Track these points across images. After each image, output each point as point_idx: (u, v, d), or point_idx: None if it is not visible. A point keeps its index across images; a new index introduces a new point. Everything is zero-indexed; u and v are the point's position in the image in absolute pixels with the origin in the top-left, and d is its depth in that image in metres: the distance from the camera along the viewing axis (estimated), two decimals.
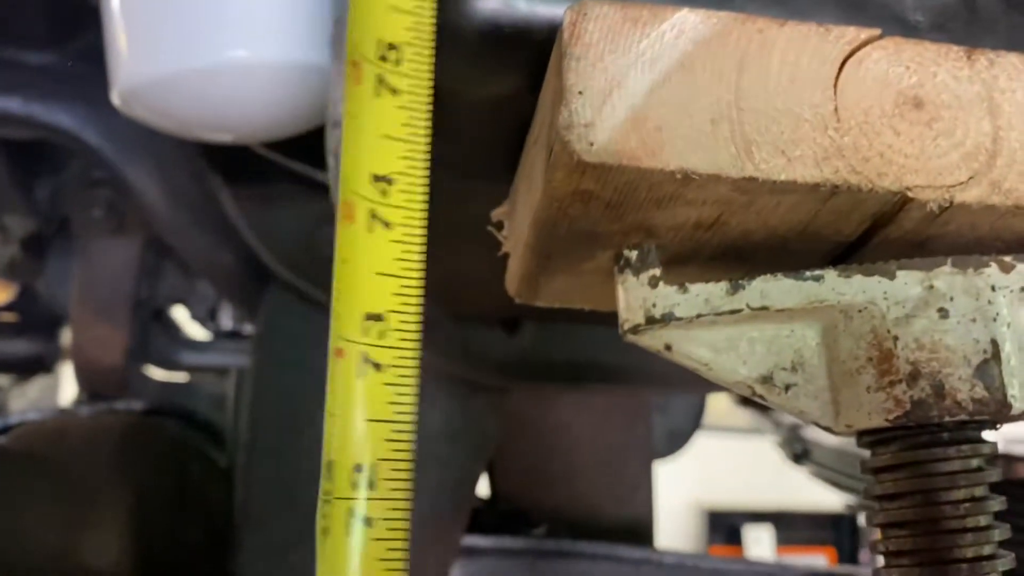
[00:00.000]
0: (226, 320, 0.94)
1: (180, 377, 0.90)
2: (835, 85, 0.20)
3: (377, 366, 0.20)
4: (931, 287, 0.21)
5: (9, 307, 0.95)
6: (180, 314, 0.92)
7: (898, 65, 0.21)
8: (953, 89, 0.21)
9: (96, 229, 0.74)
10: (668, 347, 0.22)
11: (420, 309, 0.21)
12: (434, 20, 0.22)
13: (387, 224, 0.22)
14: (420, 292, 0.21)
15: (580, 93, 0.19)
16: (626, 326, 0.22)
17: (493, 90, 0.24)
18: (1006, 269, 0.21)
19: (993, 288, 0.21)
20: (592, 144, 0.19)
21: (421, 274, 0.21)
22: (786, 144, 0.19)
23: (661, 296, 0.22)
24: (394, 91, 0.22)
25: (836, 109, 0.20)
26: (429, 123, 0.22)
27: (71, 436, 0.50)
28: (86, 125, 0.63)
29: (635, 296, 0.22)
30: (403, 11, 0.22)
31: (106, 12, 0.38)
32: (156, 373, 0.88)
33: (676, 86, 0.19)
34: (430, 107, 0.22)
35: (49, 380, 0.96)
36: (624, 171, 0.19)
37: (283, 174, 0.47)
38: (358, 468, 0.20)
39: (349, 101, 0.22)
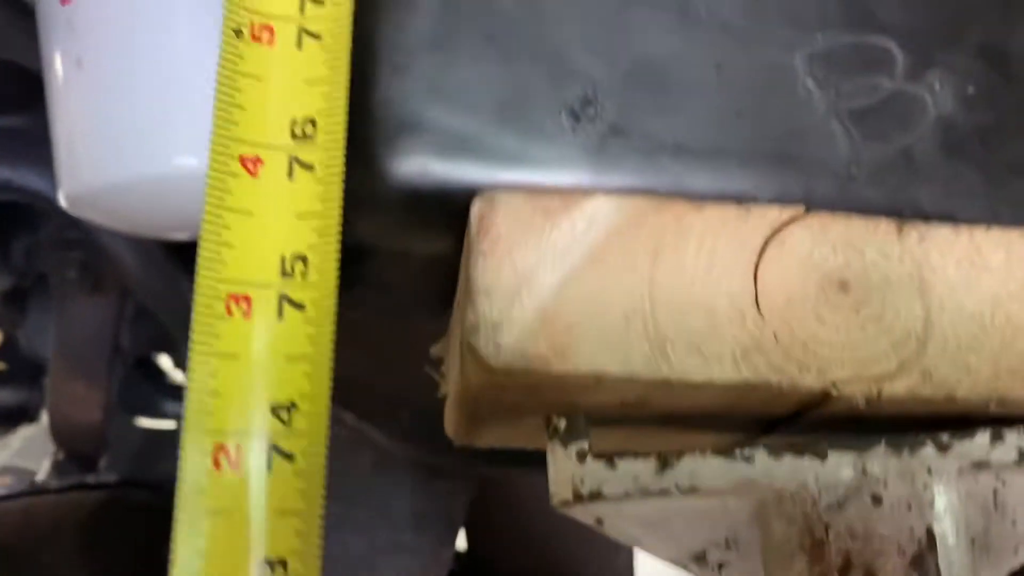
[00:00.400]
0: None
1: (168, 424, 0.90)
2: (755, 272, 0.19)
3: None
4: (864, 471, 0.20)
5: None
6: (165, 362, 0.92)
7: (824, 245, 0.20)
8: (883, 269, 0.20)
9: (72, 289, 0.74)
10: (599, 521, 0.22)
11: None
12: None
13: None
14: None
15: (487, 294, 0.18)
16: (555, 499, 0.21)
17: (419, 250, 0.23)
18: (943, 449, 0.20)
19: (929, 471, 0.20)
20: (499, 347, 0.18)
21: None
22: (702, 340, 0.19)
23: (589, 472, 0.21)
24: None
25: (756, 299, 0.19)
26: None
27: (38, 520, 0.49)
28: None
29: (563, 469, 0.21)
30: None
31: (51, 113, 0.38)
32: (142, 421, 0.88)
33: (588, 280, 0.19)
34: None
35: (32, 430, 0.96)
36: (534, 374, 0.18)
37: None
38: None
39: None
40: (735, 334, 0.19)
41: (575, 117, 0.22)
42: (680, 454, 0.21)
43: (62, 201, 0.38)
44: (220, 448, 0.18)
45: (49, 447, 0.95)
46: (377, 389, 0.43)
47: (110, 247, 0.62)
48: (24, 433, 0.96)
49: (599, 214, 0.19)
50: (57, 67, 0.36)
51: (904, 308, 0.19)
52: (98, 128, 0.35)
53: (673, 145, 0.22)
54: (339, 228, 0.21)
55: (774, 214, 0.20)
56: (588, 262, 0.19)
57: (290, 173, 0.20)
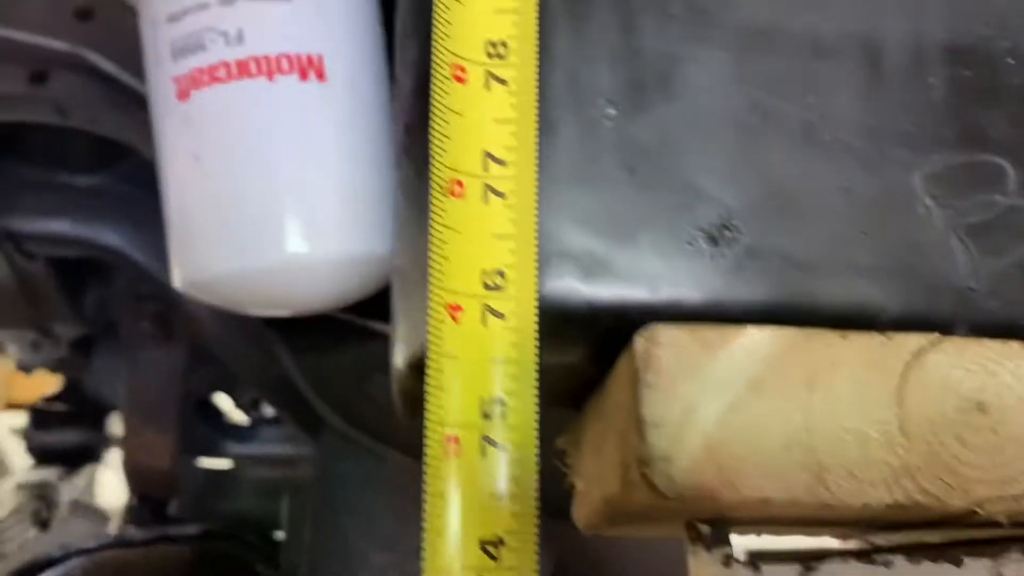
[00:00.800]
0: (269, 408, 0.96)
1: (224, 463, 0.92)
2: (899, 398, 0.21)
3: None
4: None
5: (57, 397, 0.98)
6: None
7: (960, 368, 0.21)
8: (1016, 390, 0.21)
9: (144, 340, 0.76)
10: None
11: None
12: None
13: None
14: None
15: (656, 426, 0.20)
16: None
17: (559, 361, 0.25)
18: None
19: None
20: (671, 479, 0.20)
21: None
22: (856, 467, 0.20)
23: None
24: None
25: (901, 425, 0.20)
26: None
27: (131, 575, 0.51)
28: (133, 244, 0.65)
29: (706, 572, 0.23)
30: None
31: (166, 202, 0.40)
32: (202, 461, 0.90)
33: (749, 410, 0.20)
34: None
35: (96, 469, 0.98)
36: (704, 501, 0.20)
37: (335, 322, 0.49)
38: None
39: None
40: (886, 459, 0.20)
41: (713, 241, 0.23)
42: (821, 557, 0.22)
43: (177, 285, 0.40)
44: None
45: (114, 485, 0.97)
46: None
47: (184, 300, 0.64)
48: (89, 472, 0.99)
49: (755, 345, 0.21)
50: (174, 160, 0.38)
51: None
52: (214, 219, 0.37)
53: (804, 263, 0.24)
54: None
55: (913, 341, 0.21)
56: (748, 392, 0.20)
57: (484, 320, 0.21)
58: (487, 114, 0.23)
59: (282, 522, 0.68)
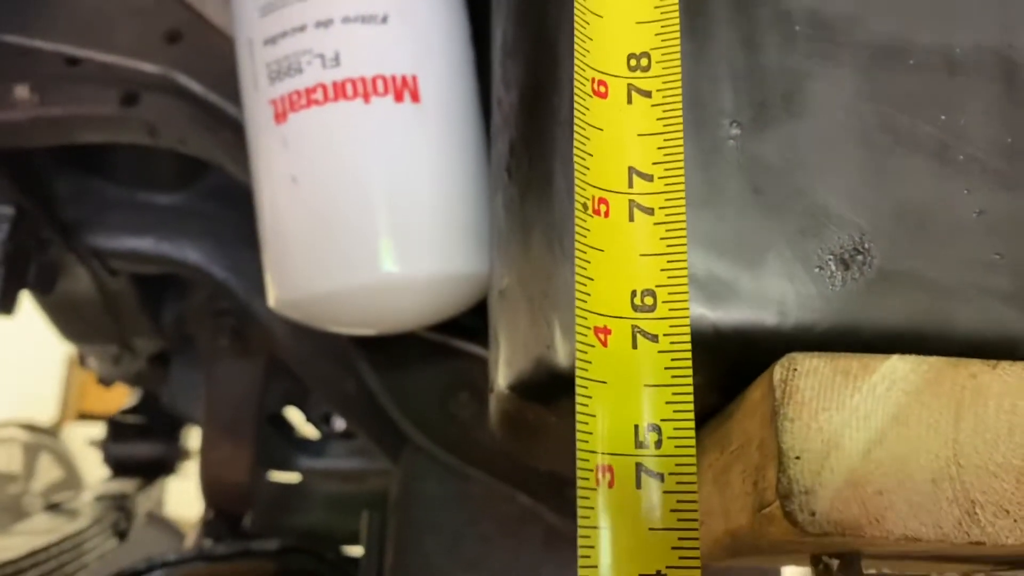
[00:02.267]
0: (340, 422, 0.96)
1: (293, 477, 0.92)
2: None
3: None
4: None
5: (133, 410, 1.00)
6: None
7: None
8: None
9: (222, 355, 0.78)
10: None
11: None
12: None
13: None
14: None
15: (797, 458, 0.19)
16: None
17: None
18: None
19: None
20: (813, 514, 0.19)
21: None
22: (1011, 503, 0.19)
23: None
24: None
25: None
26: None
27: None
28: (213, 261, 0.66)
29: None
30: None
31: (262, 223, 0.40)
32: (274, 474, 0.91)
33: (892, 443, 0.19)
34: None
35: (170, 482, 1.00)
36: (848, 538, 0.19)
37: (418, 339, 0.49)
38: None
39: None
40: None
41: (844, 265, 0.23)
42: None
43: (271, 305, 0.41)
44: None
45: (185, 497, 0.99)
46: (553, 473, 0.44)
47: (261, 315, 0.65)
48: (163, 485, 1.00)
49: (897, 375, 0.20)
50: (271, 182, 0.39)
51: None
52: (310, 240, 0.38)
53: (940, 288, 0.23)
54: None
55: None
56: (892, 424, 0.20)
57: (634, 343, 0.21)
58: (631, 128, 0.23)
59: (360, 538, 0.69)
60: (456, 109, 0.39)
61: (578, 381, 0.20)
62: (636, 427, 0.20)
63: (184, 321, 0.81)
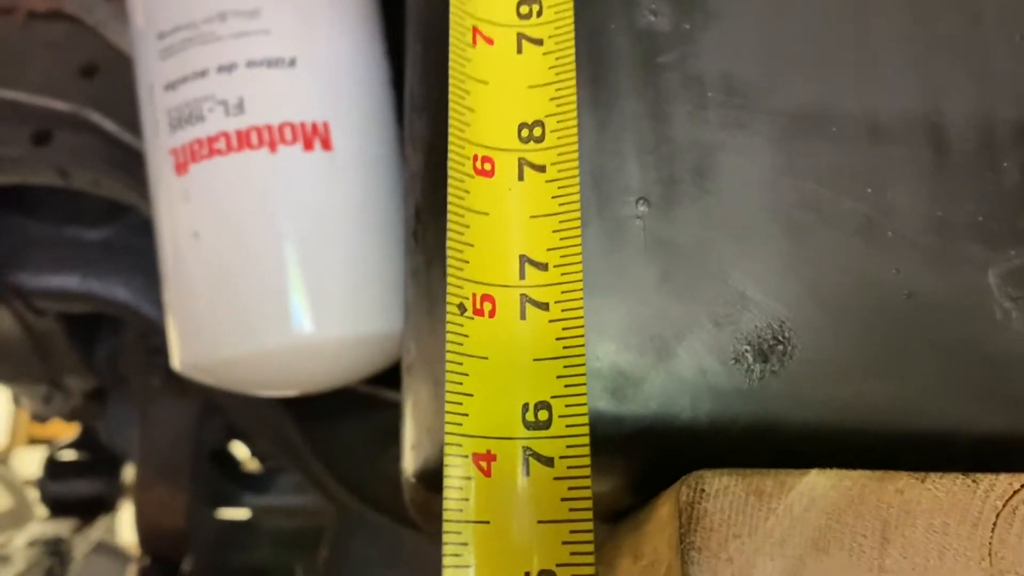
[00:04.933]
0: None
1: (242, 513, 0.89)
2: (990, 553, 0.18)
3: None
4: None
5: (73, 445, 0.96)
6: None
7: None
8: None
9: (155, 395, 0.75)
10: None
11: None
12: None
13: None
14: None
15: None
16: None
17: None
18: None
19: None
20: None
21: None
22: None
23: None
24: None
25: None
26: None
27: None
28: (143, 298, 0.63)
29: None
30: None
31: (165, 281, 0.37)
32: (218, 511, 0.88)
33: (812, 573, 0.17)
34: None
35: (109, 519, 0.96)
36: None
37: (345, 391, 0.46)
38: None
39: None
40: None
41: (763, 356, 0.21)
42: None
43: (176, 368, 0.38)
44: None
45: (124, 536, 0.95)
46: None
47: None
48: (103, 524, 0.97)
49: (816, 493, 0.18)
50: (173, 237, 0.36)
51: None
52: (215, 300, 0.35)
53: (867, 379, 0.21)
54: None
55: (1004, 484, 0.18)
56: (811, 551, 0.17)
57: (526, 470, 0.19)
58: (522, 211, 0.20)
59: None
60: (372, 158, 0.36)
61: (448, 527, 0.17)
62: (527, 574, 0.17)
63: (117, 360, 0.77)
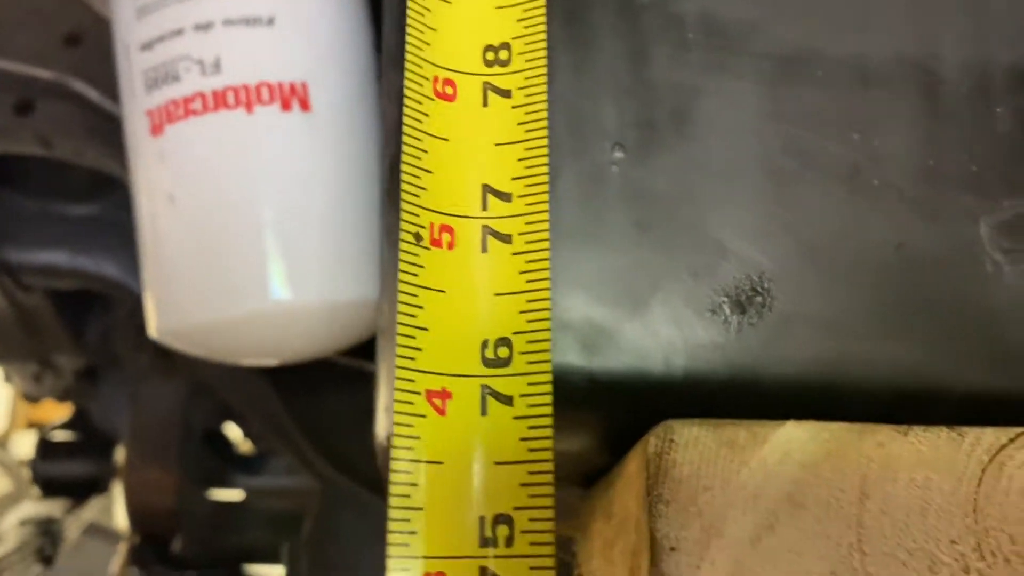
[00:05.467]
0: None
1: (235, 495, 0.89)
2: (975, 510, 0.17)
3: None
4: None
5: (66, 425, 0.96)
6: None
7: None
8: None
9: (145, 374, 0.74)
10: None
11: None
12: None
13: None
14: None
15: (673, 549, 0.16)
16: None
17: (560, 448, 0.21)
18: None
19: None
20: None
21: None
22: None
23: None
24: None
25: (979, 543, 0.17)
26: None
27: None
28: (132, 275, 0.63)
29: None
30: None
31: (141, 247, 0.36)
32: (212, 492, 0.87)
33: (786, 529, 0.16)
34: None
35: (103, 501, 0.95)
36: None
37: (330, 364, 0.45)
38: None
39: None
40: None
41: (740, 308, 0.20)
42: None
43: (152, 335, 0.37)
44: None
45: (119, 519, 0.95)
46: None
47: None
48: (96, 505, 0.96)
49: (792, 445, 0.17)
50: (148, 201, 0.35)
51: None
52: (190, 265, 0.34)
53: (850, 332, 0.20)
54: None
55: (990, 437, 0.17)
56: (786, 506, 0.17)
57: (483, 408, 0.18)
58: (486, 137, 0.19)
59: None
60: (352, 119, 0.35)
61: (395, 465, 0.16)
62: (482, 519, 0.17)
63: (108, 338, 0.77)
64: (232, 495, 0.87)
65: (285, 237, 0.34)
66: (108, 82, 0.48)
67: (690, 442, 0.17)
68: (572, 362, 0.20)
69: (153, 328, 0.37)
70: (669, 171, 0.20)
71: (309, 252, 0.34)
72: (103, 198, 0.61)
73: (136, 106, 0.35)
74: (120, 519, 1.05)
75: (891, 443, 0.17)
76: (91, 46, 0.50)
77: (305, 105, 0.34)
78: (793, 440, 0.17)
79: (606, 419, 0.20)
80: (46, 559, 0.84)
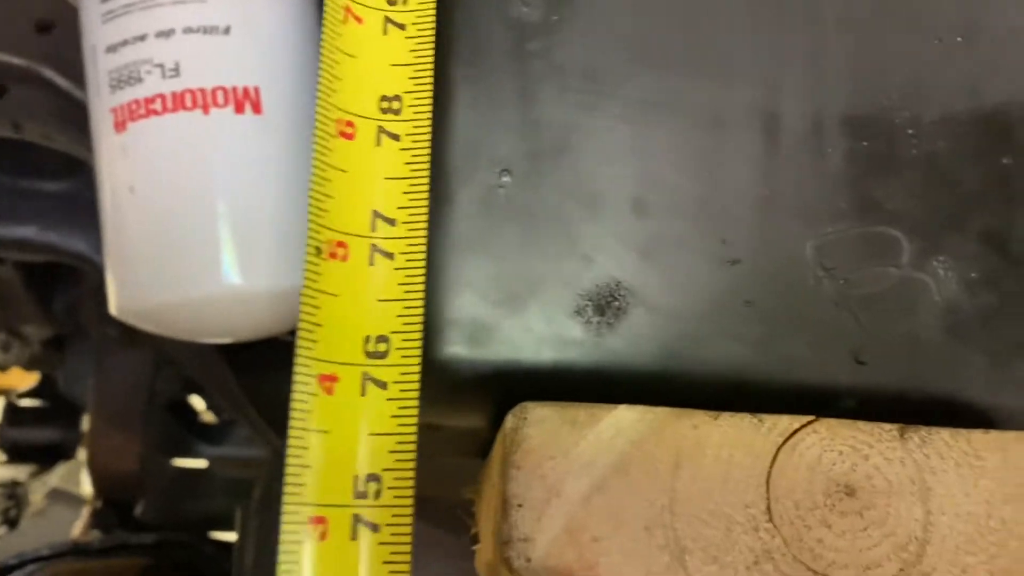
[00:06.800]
0: None
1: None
2: (767, 481, 0.21)
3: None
4: None
5: (33, 393, 0.98)
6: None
7: (832, 451, 0.21)
8: (885, 473, 0.21)
9: (111, 344, 0.77)
10: None
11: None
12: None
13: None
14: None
15: (519, 506, 0.20)
16: None
17: (456, 424, 0.25)
18: None
19: None
20: (529, 560, 0.20)
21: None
22: (718, 550, 0.20)
23: None
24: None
25: (768, 507, 0.21)
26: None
27: None
28: (99, 249, 0.65)
29: None
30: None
31: (104, 231, 0.40)
32: (176, 461, 0.90)
33: (612, 491, 0.20)
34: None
35: (69, 467, 0.98)
36: None
37: (279, 344, 0.49)
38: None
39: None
40: (748, 543, 0.20)
41: (600, 310, 0.24)
42: None
43: (113, 312, 0.41)
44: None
45: (85, 486, 0.98)
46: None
47: None
48: (61, 471, 0.99)
49: (623, 424, 0.21)
50: (111, 190, 0.39)
51: (905, 512, 0.21)
52: (148, 250, 0.38)
53: (690, 335, 0.24)
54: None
55: (785, 423, 0.21)
56: (613, 473, 0.21)
57: (363, 390, 0.21)
58: (378, 171, 0.23)
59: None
60: (302, 121, 0.39)
61: (292, 432, 0.20)
62: (355, 477, 0.21)
63: (76, 309, 0.79)
64: (195, 463, 0.91)
65: (237, 227, 0.37)
66: (77, 69, 0.51)
67: (540, 420, 0.21)
68: (458, 352, 0.23)
69: (114, 307, 0.40)
70: (548, 194, 0.24)
71: (259, 241, 0.38)
72: (72, 177, 0.64)
73: (101, 103, 0.38)
74: (85, 486, 1.08)
75: (704, 425, 0.21)
76: (61, 33, 0.53)
77: (257, 108, 0.37)
78: (624, 420, 0.21)
79: (489, 401, 0.24)
80: (10, 522, 0.87)
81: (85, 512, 0.80)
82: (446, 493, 0.34)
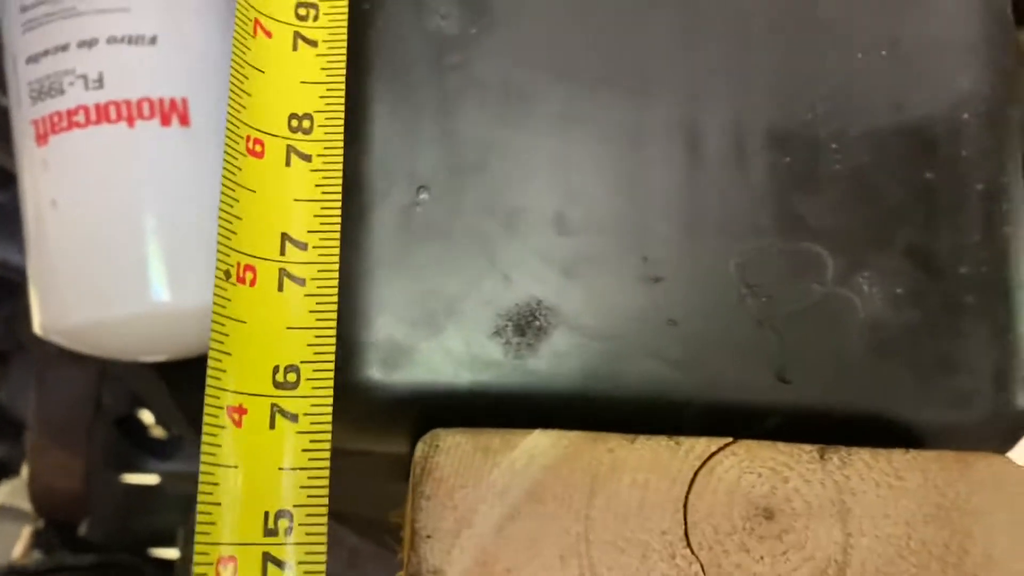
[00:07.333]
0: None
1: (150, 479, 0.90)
2: (685, 506, 0.20)
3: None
4: None
5: None
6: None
7: (750, 472, 0.21)
8: (805, 495, 0.21)
9: (52, 360, 0.75)
10: None
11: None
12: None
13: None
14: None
15: (428, 537, 0.19)
16: None
17: (381, 450, 0.25)
18: None
19: None
20: None
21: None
22: None
23: None
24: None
25: (686, 533, 0.20)
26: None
27: None
28: None
29: None
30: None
31: (27, 247, 0.38)
32: (125, 476, 0.88)
33: (526, 519, 0.20)
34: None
35: (14, 484, 0.96)
36: None
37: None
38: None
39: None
40: (665, 570, 0.20)
41: (520, 331, 0.23)
42: None
43: (37, 331, 0.39)
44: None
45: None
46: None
47: None
48: (7, 488, 0.96)
49: (537, 450, 0.20)
50: (34, 205, 0.37)
51: (825, 534, 0.21)
52: (72, 267, 0.37)
53: (611, 354, 0.23)
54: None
55: (702, 446, 0.21)
56: (526, 500, 0.20)
57: (272, 423, 0.21)
58: (287, 193, 0.22)
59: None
60: None
61: (202, 468, 0.20)
62: (266, 514, 0.20)
63: (14, 325, 0.77)
64: (146, 479, 0.88)
65: (164, 243, 0.36)
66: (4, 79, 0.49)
67: (451, 447, 0.20)
68: (375, 376, 0.23)
69: (38, 325, 0.39)
70: (467, 212, 0.24)
71: (187, 258, 0.37)
72: (8, 188, 0.62)
73: (22, 115, 0.37)
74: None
75: (620, 449, 0.21)
76: None
77: (185, 120, 0.37)
78: (538, 446, 0.20)
79: (406, 425, 0.23)
80: None
81: (25, 533, 0.78)
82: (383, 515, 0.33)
